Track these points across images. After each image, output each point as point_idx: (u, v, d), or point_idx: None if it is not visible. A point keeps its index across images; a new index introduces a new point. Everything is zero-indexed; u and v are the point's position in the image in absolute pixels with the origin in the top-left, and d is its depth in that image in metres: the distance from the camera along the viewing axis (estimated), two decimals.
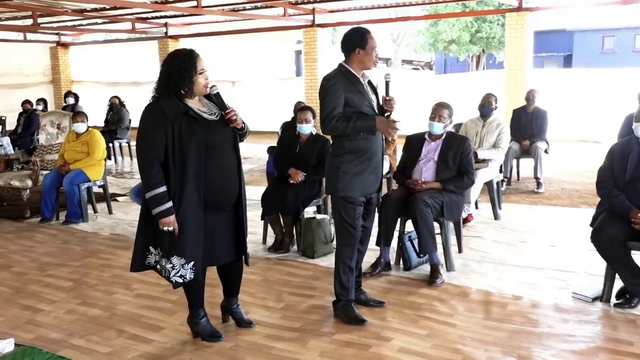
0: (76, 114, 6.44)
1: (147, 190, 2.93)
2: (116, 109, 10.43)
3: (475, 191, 5.41)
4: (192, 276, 3.00)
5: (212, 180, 2.99)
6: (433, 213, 4.11)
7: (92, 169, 6.16)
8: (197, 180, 2.95)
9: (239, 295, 3.46)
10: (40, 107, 10.60)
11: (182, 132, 2.91)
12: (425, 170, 4.38)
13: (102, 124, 10.44)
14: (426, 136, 4.51)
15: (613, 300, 3.61)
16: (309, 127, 4.90)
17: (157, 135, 2.90)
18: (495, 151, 5.67)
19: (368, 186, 3.39)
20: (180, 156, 2.92)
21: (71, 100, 10.74)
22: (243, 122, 3.11)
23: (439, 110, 4.43)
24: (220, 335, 3.28)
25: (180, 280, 3.00)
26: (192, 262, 2.99)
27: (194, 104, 3.01)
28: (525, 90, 7.69)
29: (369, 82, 3.42)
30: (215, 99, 3.05)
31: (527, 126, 7.09)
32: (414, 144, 4.54)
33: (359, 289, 3.66)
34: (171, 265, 2.97)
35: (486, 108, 5.89)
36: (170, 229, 2.91)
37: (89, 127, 6.31)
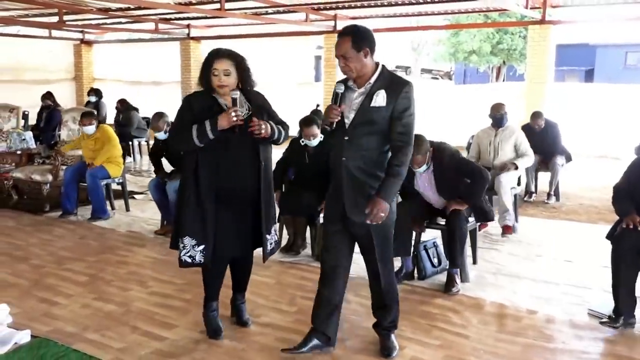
0: (83, 116, 6.30)
1: (194, 143, 3.02)
2: (124, 113, 10.31)
3: (507, 197, 5.42)
4: (201, 260, 3.12)
5: (226, 175, 3.09)
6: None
7: (111, 166, 6.22)
8: (210, 172, 3.08)
9: (246, 292, 3.53)
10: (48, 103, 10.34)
11: None
12: (436, 201, 4.30)
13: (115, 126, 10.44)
14: (414, 169, 4.20)
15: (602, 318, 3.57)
16: (317, 140, 4.77)
17: (184, 122, 3.10)
18: (527, 157, 5.65)
19: (328, 210, 3.12)
20: (207, 146, 3.06)
21: (93, 99, 10.69)
22: (277, 127, 3.16)
23: (414, 161, 4.00)
24: (220, 335, 3.33)
25: (189, 260, 3.11)
26: (203, 246, 3.09)
27: (225, 101, 3.11)
28: (546, 104, 7.62)
29: (373, 92, 2.86)
30: (232, 104, 3.07)
31: (539, 141, 6.83)
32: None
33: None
34: (182, 244, 3.11)
35: (498, 118, 5.78)
36: (233, 116, 2.98)
37: (99, 122, 6.36)
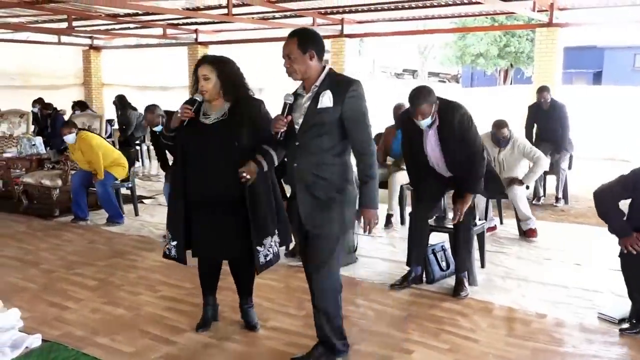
0: (62, 126, 6.20)
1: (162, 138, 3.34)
2: (122, 111, 10.04)
3: (525, 207, 5.46)
4: (175, 255, 3.30)
5: (195, 178, 3.19)
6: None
7: (115, 169, 6.17)
8: (181, 175, 3.22)
9: (252, 297, 3.54)
10: (36, 109, 10.31)
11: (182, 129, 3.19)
12: (443, 167, 4.09)
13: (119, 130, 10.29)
14: (418, 121, 3.96)
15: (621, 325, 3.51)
16: None
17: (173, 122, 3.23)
18: (540, 163, 5.51)
19: (291, 220, 3.06)
20: (177, 148, 3.26)
21: (78, 112, 9.90)
22: (266, 159, 3.07)
23: (418, 111, 3.85)
24: (199, 329, 3.48)
25: (167, 252, 3.35)
26: (175, 242, 3.28)
27: (209, 105, 3.20)
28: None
29: (319, 94, 2.78)
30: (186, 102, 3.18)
31: (545, 122, 6.84)
32: (408, 124, 4.05)
33: None
34: (165, 237, 3.41)
35: (498, 139, 5.58)
36: (179, 114, 3.13)
37: (78, 130, 6.17)
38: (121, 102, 10.19)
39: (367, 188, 2.80)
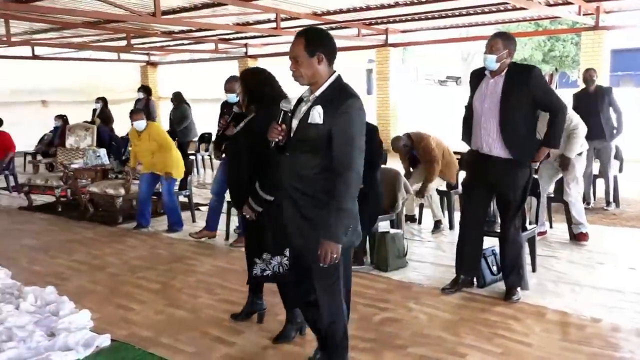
0: (133, 112, 6.45)
1: None
2: (176, 105, 10.14)
3: (579, 210, 5.39)
4: None
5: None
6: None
7: (174, 168, 6.31)
8: None
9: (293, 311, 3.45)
10: (99, 105, 10.74)
11: None
12: (487, 111, 3.81)
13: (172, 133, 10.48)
14: (486, 72, 3.87)
15: None
16: None
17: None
18: (577, 133, 5.09)
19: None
20: None
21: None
22: (254, 198, 3.28)
23: (492, 41, 3.77)
24: (233, 316, 3.81)
25: None
26: None
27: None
28: None
29: (312, 107, 2.55)
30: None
31: (592, 107, 6.60)
32: (474, 80, 3.99)
33: None
34: None
35: None
36: None
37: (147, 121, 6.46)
38: (177, 98, 10.28)
39: (330, 216, 2.47)
